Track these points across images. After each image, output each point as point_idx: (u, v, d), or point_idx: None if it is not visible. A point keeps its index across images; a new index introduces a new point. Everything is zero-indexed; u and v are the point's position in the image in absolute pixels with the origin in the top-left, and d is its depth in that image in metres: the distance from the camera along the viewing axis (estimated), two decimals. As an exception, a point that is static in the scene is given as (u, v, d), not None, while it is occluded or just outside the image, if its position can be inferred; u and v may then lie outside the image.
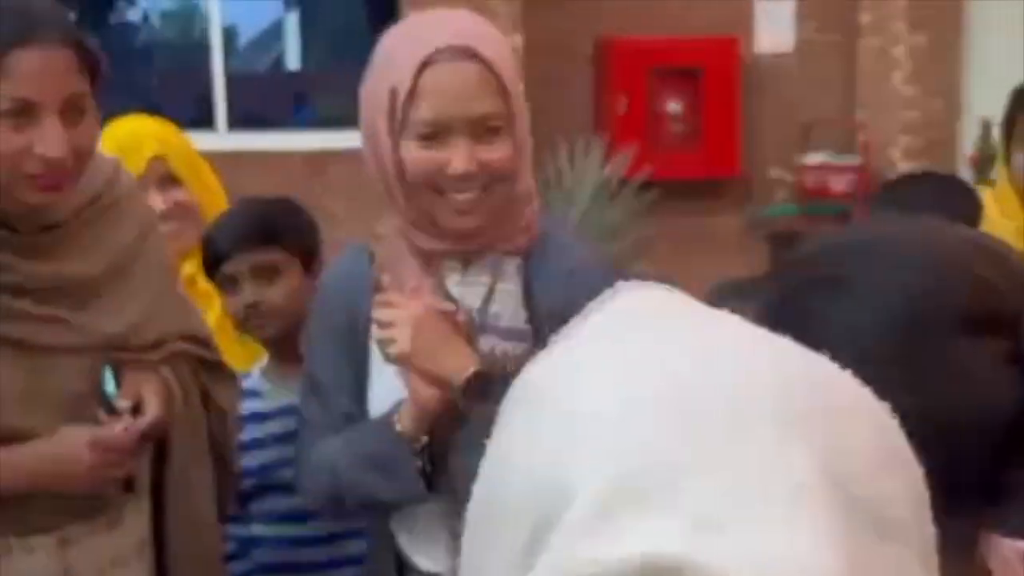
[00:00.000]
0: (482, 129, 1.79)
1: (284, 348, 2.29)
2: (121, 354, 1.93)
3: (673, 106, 8.31)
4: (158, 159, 2.53)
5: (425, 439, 1.84)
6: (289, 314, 2.24)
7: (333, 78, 9.01)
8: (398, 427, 1.85)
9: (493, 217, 1.84)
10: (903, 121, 7.89)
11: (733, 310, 1.24)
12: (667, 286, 0.63)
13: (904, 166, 7.75)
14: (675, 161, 7.71)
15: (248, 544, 2.35)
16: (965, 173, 7.51)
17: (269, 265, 2.22)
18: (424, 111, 1.78)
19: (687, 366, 0.56)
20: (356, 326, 1.94)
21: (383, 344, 1.84)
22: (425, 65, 1.78)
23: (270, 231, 2.24)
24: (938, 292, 0.84)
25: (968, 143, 7.56)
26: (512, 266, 1.88)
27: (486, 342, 1.85)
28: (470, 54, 1.78)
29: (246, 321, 2.25)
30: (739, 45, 8.30)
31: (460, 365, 1.80)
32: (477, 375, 1.78)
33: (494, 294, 1.86)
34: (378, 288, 1.90)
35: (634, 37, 8.22)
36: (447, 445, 1.85)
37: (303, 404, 2.04)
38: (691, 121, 8.24)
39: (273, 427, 2.31)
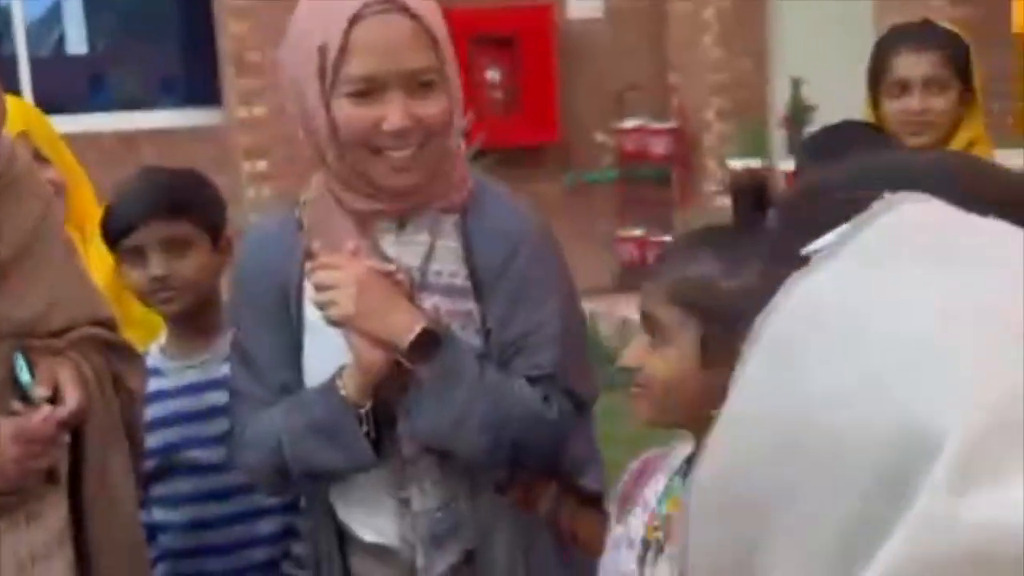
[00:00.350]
0: (416, 84, 1.77)
1: (187, 324, 2.23)
2: (32, 341, 1.84)
3: (492, 74, 8.35)
4: (23, 135, 2.41)
5: (370, 404, 1.81)
6: (198, 289, 2.18)
7: (126, 58, 8.77)
8: (343, 392, 1.81)
9: (429, 174, 1.82)
10: (714, 83, 8.11)
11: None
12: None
13: (718, 127, 7.98)
14: (496, 128, 7.75)
15: (152, 530, 2.28)
16: (777, 132, 7.79)
17: (179, 238, 2.15)
18: (356, 67, 1.75)
19: (1010, 287, 0.49)
20: (287, 294, 1.90)
21: (324, 307, 1.80)
22: (355, 20, 1.75)
23: (181, 203, 2.16)
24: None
25: (779, 102, 7.82)
26: (450, 223, 1.86)
27: (428, 301, 1.83)
28: (399, 7, 1.76)
29: (152, 295, 2.17)
30: (552, 12, 8.39)
31: (405, 325, 1.77)
32: (423, 334, 1.76)
33: (434, 251, 1.84)
34: (309, 254, 1.87)
35: (449, 7, 8.19)
36: (392, 409, 1.83)
37: (234, 378, 1.99)
38: (510, 89, 8.31)
39: (176, 406, 2.24)
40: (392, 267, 1.82)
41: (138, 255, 2.16)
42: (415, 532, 1.86)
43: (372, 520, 1.92)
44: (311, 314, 1.87)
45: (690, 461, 1.53)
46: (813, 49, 7.43)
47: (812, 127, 7.40)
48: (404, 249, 1.86)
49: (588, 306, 7.72)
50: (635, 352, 1.53)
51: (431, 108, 1.78)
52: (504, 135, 7.69)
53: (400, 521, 1.88)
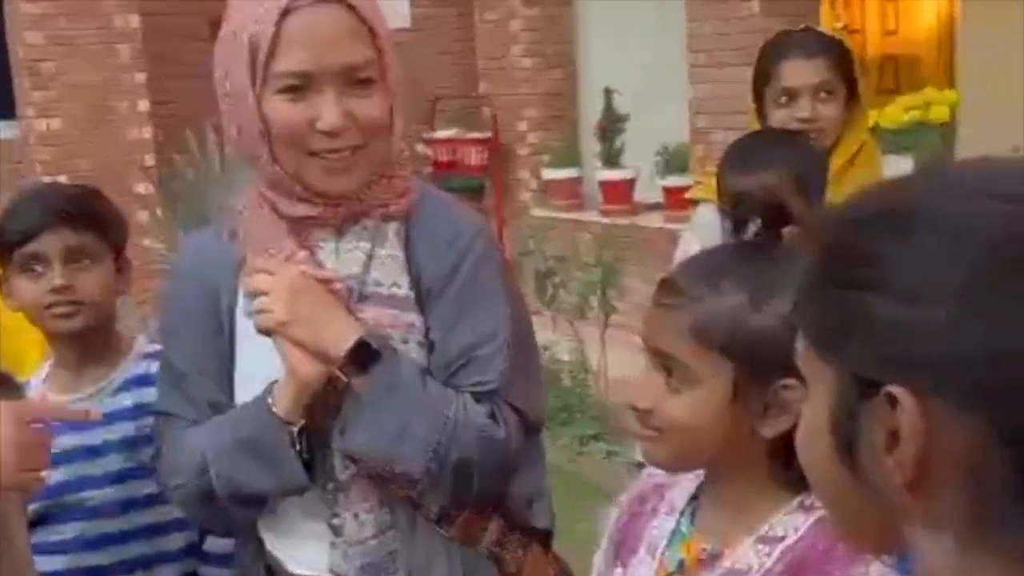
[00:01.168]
0: (352, 80, 1.64)
1: (79, 349, 2.05)
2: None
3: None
4: None
5: (302, 423, 1.69)
6: (99, 308, 2.00)
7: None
8: (274, 409, 1.68)
9: (367, 178, 1.70)
10: (526, 94, 8.16)
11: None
12: None
13: (532, 137, 8.02)
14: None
15: (34, 580, 2.09)
16: (591, 140, 7.88)
17: (84, 249, 1.97)
18: (287, 62, 1.61)
19: None
20: (218, 307, 1.76)
21: (257, 314, 1.67)
22: (287, 12, 1.61)
23: (86, 213, 1.98)
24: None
25: (591, 112, 7.91)
26: (391, 231, 1.74)
27: (368, 312, 1.71)
28: None
29: (51, 308, 1.98)
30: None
31: (341, 335, 1.65)
32: (360, 345, 1.64)
33: (374, 260, 1.72)
34: (244, 264, 1.74)
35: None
36: (325, 429, 1.70)
37: (161, 398, 1.84)
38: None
39: (64, 442, 2.06)
40: (329, 274, 1.70)
41: (37, 265, 1.98)
42: (347, 563, 1.74)
43: (301, 551, 1.79)
44: (244, 327, 1.74)
45: (695, 499, 1.43)
46: (623, 59, 7.55)
47: (624, 136, 7.53)
48: (343, 258, 1.73)
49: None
50: (649, 393, 1.37)
51: (368, 107, 1.66)
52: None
53: (331, 551, 1.76)
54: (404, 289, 1.72)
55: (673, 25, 7.00)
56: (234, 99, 1.67)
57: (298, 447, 1.69)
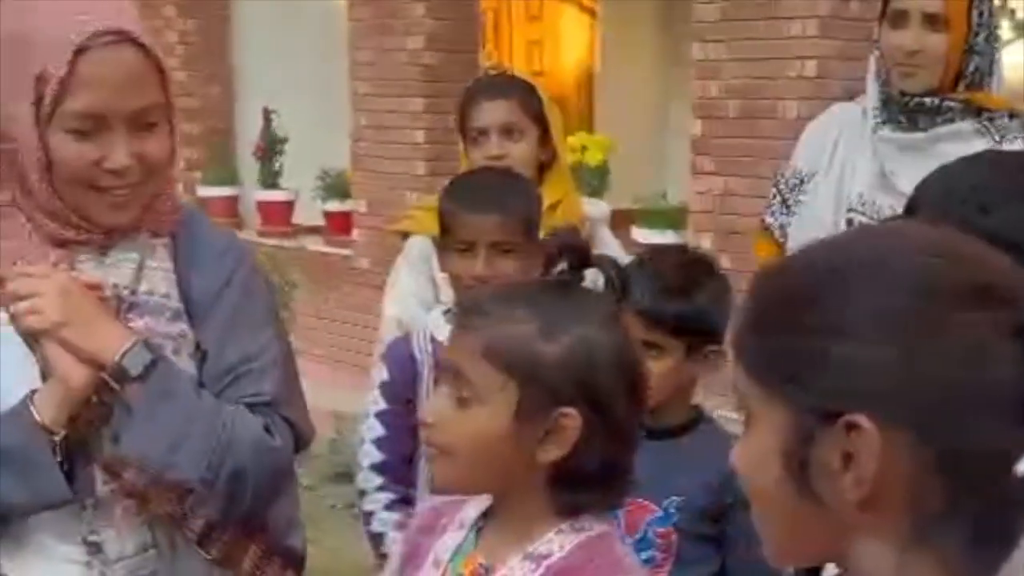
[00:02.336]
0: (141, 121, 1.66)
1: None
2: None
3: None
4: None
5: (63, 433, 1.64)
6: None
7: None
8: (36, 416, 1.63)
9: (145, 207, 1.72)
10: (182, 108, 7.97)
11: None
12: None
13: (187, 153, 7.84)
14: None
15: None
16: (249, 160, 7.82)
17: None
18: (79, 103, 1.59)
19: None
20: None
21: (23, 317, 1.63)
22: (81, 51, 1.59)
23: None
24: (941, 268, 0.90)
25: (250, 130, 7.85)
26: (160, 246, 1.75)
27: (138, 321, 1.70)
28: (128, 38, 1.62)
29: None
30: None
31: (114, 341, 1.63)
32: (134, 353, 1.63)
33: (143, 272, 1.73)
34: None
35: None
36: (86, 438, 1.67)
37: None
38: None
39: None
40: (97, 280, 1.69)
41: None
42: None
43: (48, 570, 1.75)
44: None
45: (485, 516, 1.49)
46: (284, 78, 7.55)
47: (283, 158, 7.54)
48: (108, 269, 1.72)
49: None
50: (438, 408, 1.44)
51: (154, 146, 1.67)
52: None
53: (86, 571, 1.73)
54: (174, 301, 1.73)
55: (340, 50, 7.08)
56: (11, 125, 1.64)
57: (59, 458, 1.65)
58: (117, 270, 1.72)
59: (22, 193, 1.69)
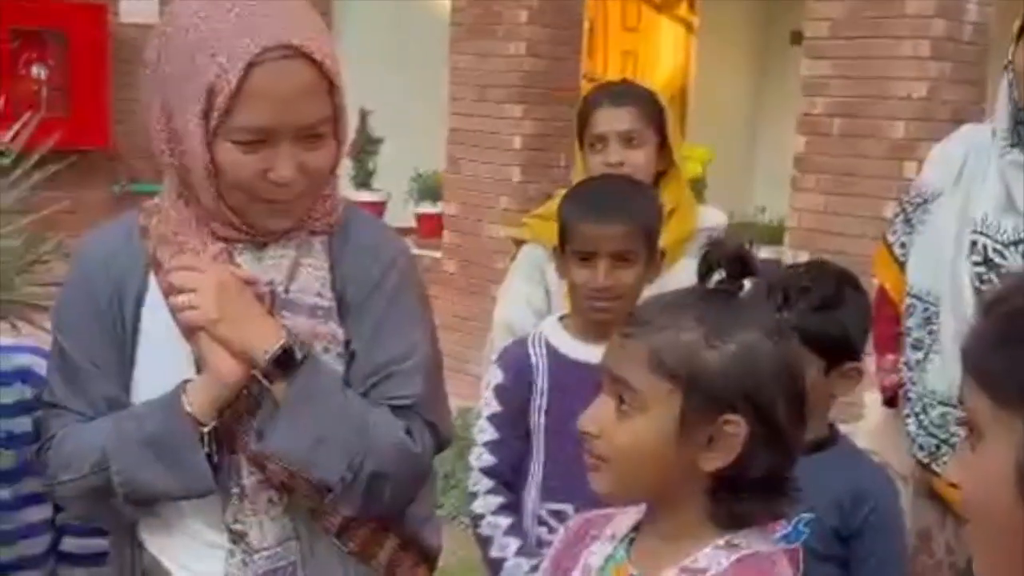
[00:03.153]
0: (308, 134, 1.67)
1: None
2: None
3: (37, 70, 7.84)
4: None
5: (214, 423, 1.68)
6: None
7: None
8: (188, 408, 1.67)
9: (306, 212, 1.75)
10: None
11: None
12: None
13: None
14: (41, 129, 7.24)
15: None
16: (344, 160, 7.87)
17: None
18: (248, 117, 1.61)
19: None
20: (122, 305, 1.74)
21: (182, 310, 1.67)
22: (252, 65, 1.60)
23: None
24: None
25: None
26: (317, 243, 1.77)
27: (290, 319, 1.72)
28: (301, 53, 1.63)
29: None
30: (106, 12, 8.01)
31: (266, 337, 1.66)
32: (284, 350, 1.66)
33: (298, 270, 1.74)
34: (153, 264, 1.73)
35: (-9, -6, 7.64)
36: (233, 431, 1.71)
37: (51, 390, 1.79)
38: (58, 88, 7.84)
39: None
40: (253, 276, 1.71)
41: None
42: (245, 571, 1.75)
43: (192, 557, 1.78)
44: (149, 325, 1.74)
45: (637, 529, 1.49)
46: (383, 79, 7.60)
47: (377, 159, 7.59)
48: (265, 265, 1.75)
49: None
50: (599, 417, 1.43)
51: (319, 158, 1.68)
52: (50, 136, 7.20)
53: (228, 559, 1.76)
54: (327, 300, 1.75)
55: (440, 54, 7.12)
56: (176, 134, 1.66)
57: (206, 449, 1.69)
58: (273, 266, 1.74)
59: (186, 188, 1.72)
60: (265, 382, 1.68)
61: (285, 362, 1.66)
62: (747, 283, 1.48)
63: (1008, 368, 0.93)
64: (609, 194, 2.39)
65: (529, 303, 2.75)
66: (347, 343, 1.76)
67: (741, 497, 1.40)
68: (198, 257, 1.71)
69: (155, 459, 1.69)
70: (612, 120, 2.73)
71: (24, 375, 1.94)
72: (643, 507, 1.49)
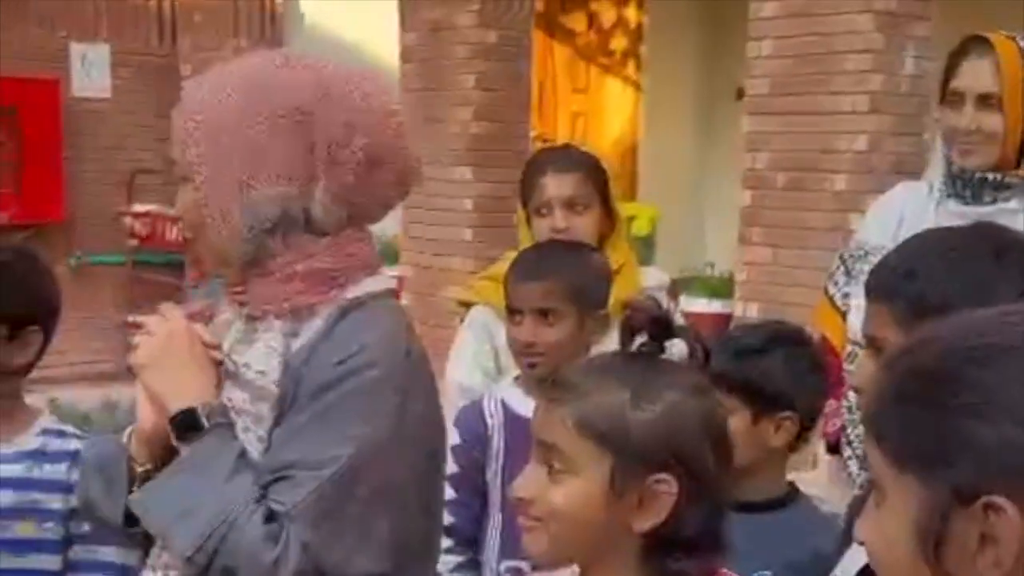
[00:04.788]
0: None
1: None
2: None
3: (-10, 145, 7.86)
4: None
5: (148, 465, 1.69)
6: None
7: None
8: (129, 445, 1.72)
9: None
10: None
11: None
12: None
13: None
14: (-5, 204, 7.27)
15: None
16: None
17: None
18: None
19: None
20: None
21: (131, 351, 1.71)
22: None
23: None
24: None
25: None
26: (277, 326, 1.70)
27: (228, 390, 1.69)
28: None
29: None
30: (59, 87, 8.05)
31: (183, 397, 1.65)
32: (189, 413, 1.64)
33: (254, 344, 1.70)
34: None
35: (-60, 70, 7.67)
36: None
37: None
38: (11, 163, 7.84)
39: None
40: (215, 341, 1.71)
41: None
42: None
43: None
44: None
45: None
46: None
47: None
48: (226, 332, 1.75)
49: (104, 393, 7.32)
50: (531, 482, 1.44)
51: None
52: (2, 211, 7.21)
53: None
54: (267, 380, 1.67)
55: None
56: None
57: (131, 488, 1.70)
58: (232, 334, 1.74)
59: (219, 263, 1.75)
60: (173, 440, 1.66)
61: (190, 425, 1.64)
62: (669, 344, 1.51)
63: (904, 428, 0.94)
64: (540, 255, 2.48)
65: (477, 362, 2.80)
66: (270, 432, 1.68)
67: (675, 556, 1.41)
68: (173, 307, 1.73)
69: (99, 478, 1.74)
70: (557, 187, 2.76)
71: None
72: (576, 569, 1.49)
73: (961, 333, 0.97)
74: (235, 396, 1.69)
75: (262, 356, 1.68)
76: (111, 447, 1.75)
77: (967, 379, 0.92)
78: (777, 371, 2.08)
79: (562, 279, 2.36)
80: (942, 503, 0.91)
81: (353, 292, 1.70)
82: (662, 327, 1.50)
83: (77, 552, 2.03)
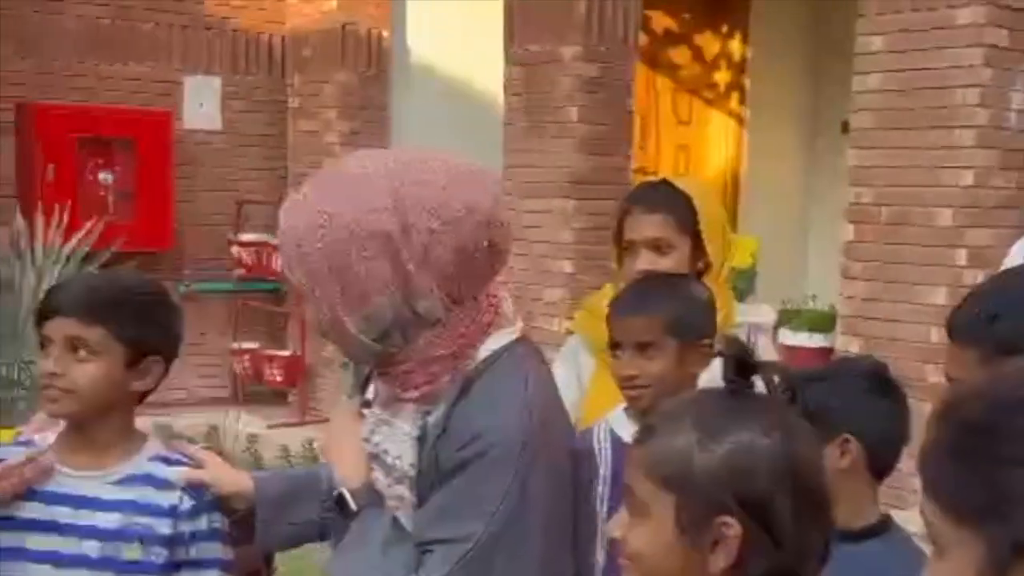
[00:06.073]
0: None
1: (76, 432, 2.08)
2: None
3: (104, 176, 8.09)
4: None
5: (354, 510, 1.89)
6: (89, 399, 2.01)
7: None
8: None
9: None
10: (337, 203, 8.26)
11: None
12: None
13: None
14: (108, 231, 7.45)
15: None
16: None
17: (84, 341, 2.00)
18: None
19: None
20: None
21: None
22: None
23: (104, 306, 2.02)
24: None
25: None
26: (411, 409, 1.85)
27: (375, 472, 1.88)
28: None
29: (44, 388, 2.03)
30: (171, 119, 8.27)
31: (344, 478, 1.91)
32: (339, 496, 1.89)
33: (387, 428, 1.87)
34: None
35: (60, 104, 7.92)
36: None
37: None
38: (125, 192, 8.07)
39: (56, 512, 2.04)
40: (364, 434, 1.90)
41: (46, 344, 2.02)
42: None
43: None
44: None
45: None
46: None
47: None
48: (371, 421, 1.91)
49: (209, 418, 7.47)
50: (619, 523, 1.48)
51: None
52: (116, 238, 7.39)
53: None
54: (404, 463, 1.84)
55: (494, 150, 7.27)
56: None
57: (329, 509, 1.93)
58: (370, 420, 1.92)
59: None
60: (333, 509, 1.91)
61: (342, 505, 1.88)
62: (755, 381, 1.50)
63: (956, 482, 0.93)
64: (640, 289, 2.49)
65: (563, 393, 2.81)
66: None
67: None
68: (349, 404, 2.02)
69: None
70: (643, 228, 2.71)
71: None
72: None
73: (1009, 384, 0.96)
74: (379, 479, 1.87)
75: (398, 442, 1.85)
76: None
77: (1017, 431, 0.91)
78: (825, 393, 2.04)
79: (661, 312, 2.36)
80: (999, 557, 0.89)
81: (474, 360, 1.83)
82: (745, 364, 1.49)
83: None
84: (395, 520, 1.83)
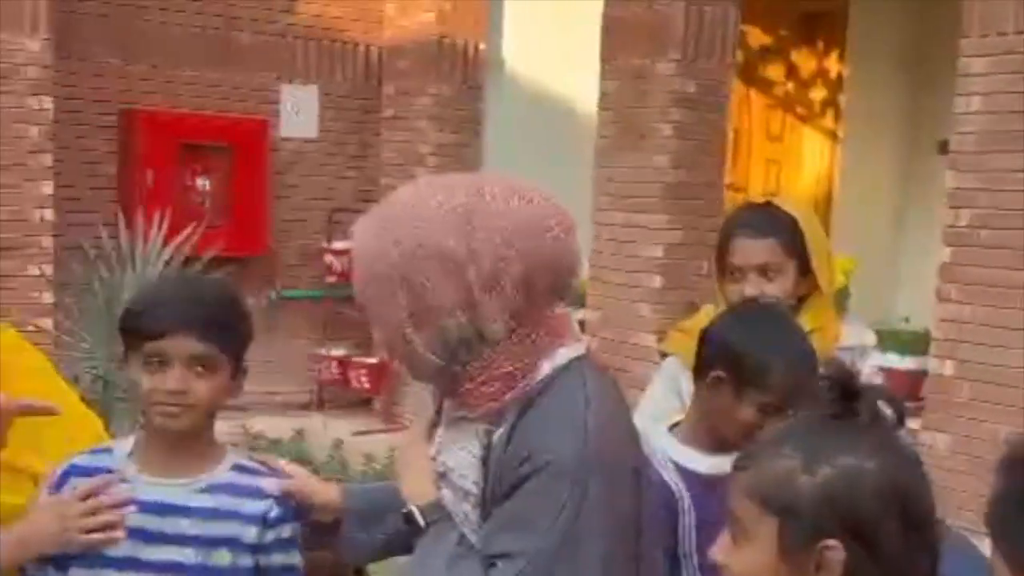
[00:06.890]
0: None
1: (173, 442, 2.12)
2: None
3: (202, 182, 8.24)
4: None
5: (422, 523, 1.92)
6: (206, 413, 2.07)
7: None
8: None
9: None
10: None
11: None
12: None
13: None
14: (204, 237, 7.58)
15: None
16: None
17: (205, 358, 2.06)
18: None
19: None
20: None
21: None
22: None
23: (217, 323, 2.07)
24: None
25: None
26: (476, 428, 1.89)
27: (443, 490, 1.91)
28: None
29: (158, 404, 2.07)
30: (268, 126, 8.40)
31: (412, 495, 1.95)
32: (407, 513, 1.92)
33: (452, 448, 1.91)
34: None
35: (162, 110, 8.09)
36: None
37: None
38: (221, 198, 8.22)
39: (134, 520, 2.08)
40: (432, 453, 1.96)
41: (159, 361, 2.03)
42: None
43: None
44: None
45: None
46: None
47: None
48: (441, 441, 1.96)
49: (294, 423, 7.55)
50: (720, 547, 1.51)
51: None
52: (212, 244, 7.52)
53: None
54: (468, 482, 1.88)
55: (585, 163, 7.30)
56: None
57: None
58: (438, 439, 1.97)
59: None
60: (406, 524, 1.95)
61: (411, 521, 1.92)
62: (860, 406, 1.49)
63: (1019, 532, 0.95)
64: (771, 321, 2.40)
65: (658, 409, 2.78)
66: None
67: None
68: (417, 419, 2.07)
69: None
70: (750, 253, 2.71)
71: None
72: None
73: None
74: (446, 496, 1.91)
75: (463, 460, 1.90)
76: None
77: None
78: None
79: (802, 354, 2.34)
80: None
81: (538, 378, 1.86)
82: (847, 389, 1.49)
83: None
84: (462, 536, 1.87)
